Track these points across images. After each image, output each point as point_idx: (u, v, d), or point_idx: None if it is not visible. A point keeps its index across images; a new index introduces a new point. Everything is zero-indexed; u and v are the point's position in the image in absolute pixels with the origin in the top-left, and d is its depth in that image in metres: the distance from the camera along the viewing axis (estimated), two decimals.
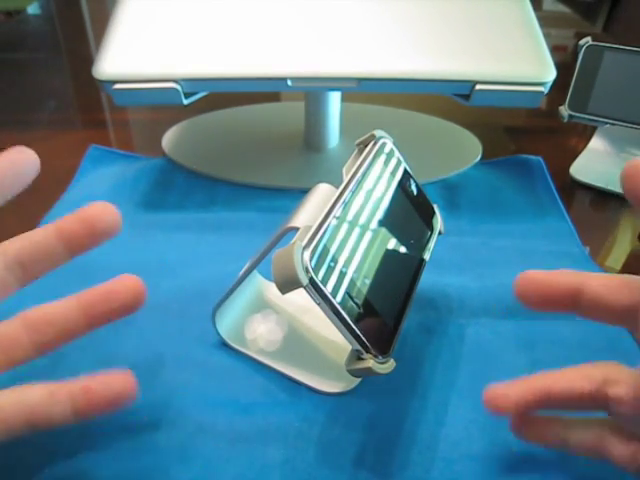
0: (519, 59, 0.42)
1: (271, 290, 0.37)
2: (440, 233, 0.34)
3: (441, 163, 0.54)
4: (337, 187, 0.28)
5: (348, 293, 0.25)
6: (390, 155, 0.31)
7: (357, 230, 0.27)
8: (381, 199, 0.30)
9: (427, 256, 0.32)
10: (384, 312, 0.27)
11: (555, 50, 0.90)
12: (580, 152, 0.56)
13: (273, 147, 0.56)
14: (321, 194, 0.29)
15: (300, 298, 0.36)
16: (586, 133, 0.60)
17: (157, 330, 0.35)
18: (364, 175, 0.28)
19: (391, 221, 0.30)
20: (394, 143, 0.32)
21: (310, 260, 0.23)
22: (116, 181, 0.50)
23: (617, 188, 0.51)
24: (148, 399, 0.31)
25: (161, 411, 0.30)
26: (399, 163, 0.32)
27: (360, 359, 0.25)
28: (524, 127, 0.67)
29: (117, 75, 0.41)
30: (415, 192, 0.33)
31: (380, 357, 0.25)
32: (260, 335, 0.35)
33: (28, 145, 0.26)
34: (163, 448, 0.28)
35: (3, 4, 1.10)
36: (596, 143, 0.57)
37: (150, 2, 0.46)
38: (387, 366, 0.25)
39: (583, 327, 0.36)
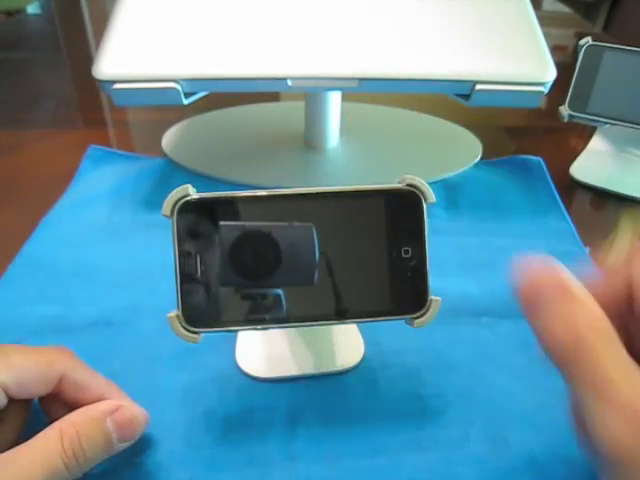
0: (519, 59, 0.42)
1: None
2: None
3: (441, 163, 0.54)
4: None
5: None
6: None
7: None
8: None
9: None
10: None
11: (555, 50, 0.90)
12: (580, 152, 0.56)
13: (273, 147, 0.56)
14: None
15: None
16: (586, 133, 0.60)
17: (157, 330, 0.35)
18: None
19: None
20: None
21: None
22: (116, 181, 0.50)
23: (617, 188, 0.51)
24: (148, 399, 0.31)
25: (161, 411, 0.30)
26: None
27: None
28: (524, 127, 0.67)
29: (117, 75, 0.41)
30: None
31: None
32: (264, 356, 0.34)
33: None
34: (163, 448, 0.28)
35: (3, 4, 1.10)
36: (596, 143, 0.56)
37: (150, 2, 0.46)
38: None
39: None
